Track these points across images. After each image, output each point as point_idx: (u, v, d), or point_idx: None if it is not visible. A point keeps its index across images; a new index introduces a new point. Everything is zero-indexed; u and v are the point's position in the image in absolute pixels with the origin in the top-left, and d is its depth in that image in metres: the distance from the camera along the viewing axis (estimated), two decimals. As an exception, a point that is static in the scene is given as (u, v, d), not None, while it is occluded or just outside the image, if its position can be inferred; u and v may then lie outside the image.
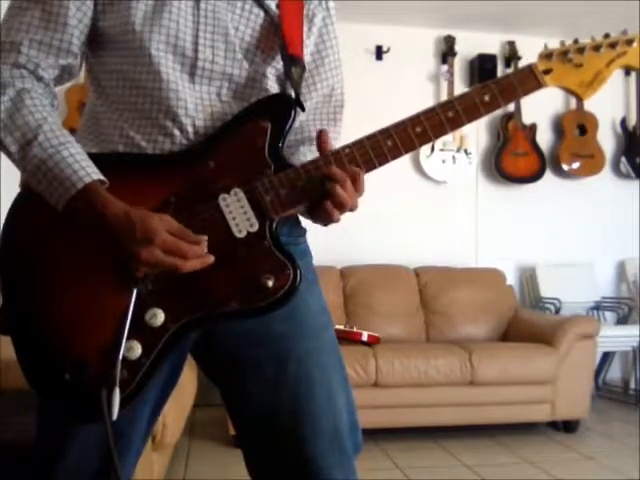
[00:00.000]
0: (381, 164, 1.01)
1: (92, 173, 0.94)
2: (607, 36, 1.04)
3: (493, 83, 1.02)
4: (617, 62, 1.03)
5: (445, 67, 4.47)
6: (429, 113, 1.01)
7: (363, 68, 4.31)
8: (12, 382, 1.00)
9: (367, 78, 4.26)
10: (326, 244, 4.44)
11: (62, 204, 0.93)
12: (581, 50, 1.03)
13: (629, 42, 1.03)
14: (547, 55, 1.03)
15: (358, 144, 1.00)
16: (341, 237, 4.26)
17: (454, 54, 4.46)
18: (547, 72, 1.03)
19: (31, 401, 1.03)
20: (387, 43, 4.43)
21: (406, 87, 4.33)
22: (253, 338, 1.06)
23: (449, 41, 4.45)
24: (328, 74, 1.18)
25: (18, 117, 0.96)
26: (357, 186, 0.99)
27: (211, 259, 0.95)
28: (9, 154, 0.97)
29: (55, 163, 0.93)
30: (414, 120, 1.01)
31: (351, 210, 0.99)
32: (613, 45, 1.03)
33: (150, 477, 2.11)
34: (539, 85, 1.03)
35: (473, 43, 4.48)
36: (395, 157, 1.01)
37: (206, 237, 0.95)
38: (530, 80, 1.02)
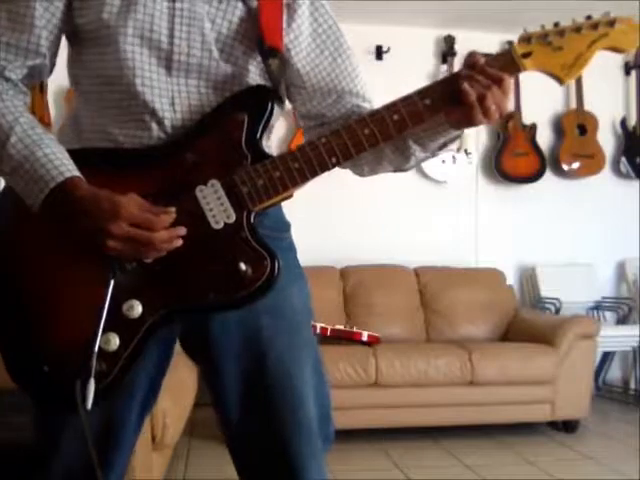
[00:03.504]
0: (358, 152, 1.02)
1: (65, 171, 0.95)
2: (589, 17, 1.02)
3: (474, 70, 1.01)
4: (599, 43, 1.01)
5: (445, 67, 4.47)
6: (407, 100, 1.02)
7: (363, 68, 4.30)
8: (10, 381, 1.01)
9: (367, 78, 4.25)
10: (326, 244, 4.45)
11: (38, 204, 0.95)
12: (561, 33, 1.01)
13: (611, 23, 1.00)
14: (526, 38, 1.01)
15: (335, 134, 1.01)
16: (341, 237, 4.26)
17: (454, 54, 4.45)
18: (526, 56, 1.01)
19: (29, 400, 1.04)
20: (387, 43, 4.43)
21: (406, 87, 4.27)
22: (234, 329, 1.07)
23: (449, 41, 4.45)
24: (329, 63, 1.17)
25: None
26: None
27: (182, 231, 0.96)
28: None
29: (30, 164, 0.95)
30: (391, 108, 1.02)
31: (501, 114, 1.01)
32: (594, 26, 1.01)
33: (150, 477, 2.11)
34: (518, 69, 1.02)
35: (473, 43, 4.46)
36: (372, 145, 1.02)
37: (174, 208, 0.96)
38: (509, 64, 1.01)
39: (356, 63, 1.20)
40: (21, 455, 1.12)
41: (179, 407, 2.47)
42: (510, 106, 4.61)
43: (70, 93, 3.90)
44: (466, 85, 0.98)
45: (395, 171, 1.19)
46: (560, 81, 1.03)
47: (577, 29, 1.01)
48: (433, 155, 1.16)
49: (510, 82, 1.00)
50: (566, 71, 1.01)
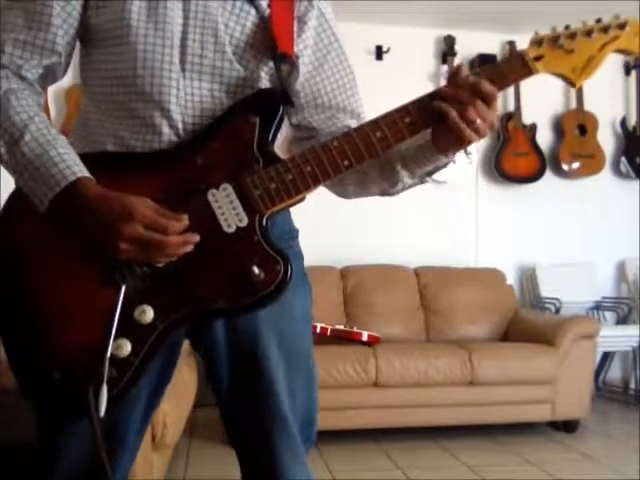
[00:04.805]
0: (371, 156, 1.01)
1: (78, 172, 0.94)
2: (599, 20, 1.02)
3: (483, 72, 1.00)
4: (610, 46, 1.01)
5: (445, 67, 4.47)
6: (418, 102, 1.01)
7: (363, 68, 4.28)
8: (13, 381, 1.00)
9: (367, 78, 4.24)
10: (326, 244, 4.45)
11: (46, 203, 0.94)
12: (572, 35, 1.01)
13: (621, 26, 1.01)
14: (538, 42, 1.02)
15: (346, 137, 1.00)
16: (341, 237, 4.26)
17: (454, 54, 4.45)
18: (538, 59, 1.01)
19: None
20: (387, 43, 4.43)
21: (406, 87, 4.29)
22: (233, 333, 1.08)
23: (449, 41, 4.45)
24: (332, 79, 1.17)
25: (4, 117, 0.97)
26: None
27: (196, 238, 0.95)
28: None
29: (42, 162, 0.94)
30: (402, 111, 1.00)
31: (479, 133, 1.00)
32: (605, 29, 1.01)
33: (150, 477, 2.11)
34: (530, 72, 1.01)
35: (473, 43, 4.48)
36: (385, 149, 1.01)
37: (186, 215, 0.95)
38: (521, 67, 1.01)
39: (355, 82, 1.19)
40: (24, 455, 1.12)
41: (179, 407, 2.47)
42: (510, 106, 4.64)
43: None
44: (442, 104, 0.98)
45: (382, 195, 1.18)
46: (572, 84, 1.04)
47: (588, 32, 1.01)
48: (421, 182, 1.14)
49: (496, 96, 0.99)
50: (578, 74, 1.02)
